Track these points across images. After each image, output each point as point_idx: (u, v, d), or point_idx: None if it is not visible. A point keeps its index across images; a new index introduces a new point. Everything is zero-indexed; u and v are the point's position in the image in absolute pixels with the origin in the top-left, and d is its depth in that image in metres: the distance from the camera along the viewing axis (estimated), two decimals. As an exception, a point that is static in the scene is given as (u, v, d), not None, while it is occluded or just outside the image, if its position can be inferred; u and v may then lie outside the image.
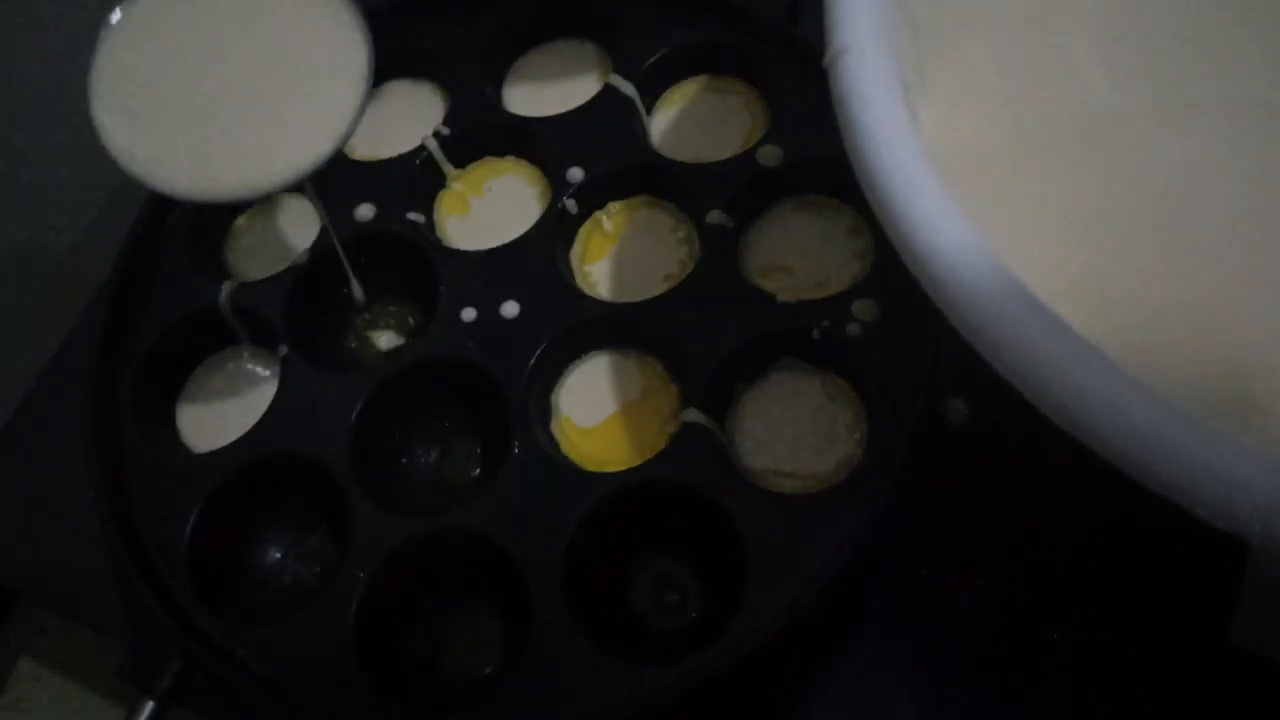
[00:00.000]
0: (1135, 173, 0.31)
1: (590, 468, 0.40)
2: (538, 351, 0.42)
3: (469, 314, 0.43)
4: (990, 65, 0.33)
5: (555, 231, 0.45)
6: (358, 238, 0.46)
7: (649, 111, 0.47)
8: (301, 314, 0.46)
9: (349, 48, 0.39)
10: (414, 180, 0.47)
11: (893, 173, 0.26)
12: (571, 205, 0.45)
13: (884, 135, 0.27)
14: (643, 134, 0.47)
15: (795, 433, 0.40)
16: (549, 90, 0.49)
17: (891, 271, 0.41)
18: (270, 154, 0.38)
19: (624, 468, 0.39)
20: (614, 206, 0.46)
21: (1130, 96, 0.32)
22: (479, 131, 0.48)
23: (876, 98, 0.27)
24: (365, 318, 0.47)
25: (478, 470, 0.43)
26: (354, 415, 0.42)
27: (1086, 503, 0.40)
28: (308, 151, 0.38)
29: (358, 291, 0.45)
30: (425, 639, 0.41)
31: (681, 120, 0.48)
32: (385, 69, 0.52)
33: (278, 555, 0.43)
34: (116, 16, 0.39)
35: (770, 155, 0.44)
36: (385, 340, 0.47)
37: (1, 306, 0.53)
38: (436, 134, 0.47)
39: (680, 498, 0.38)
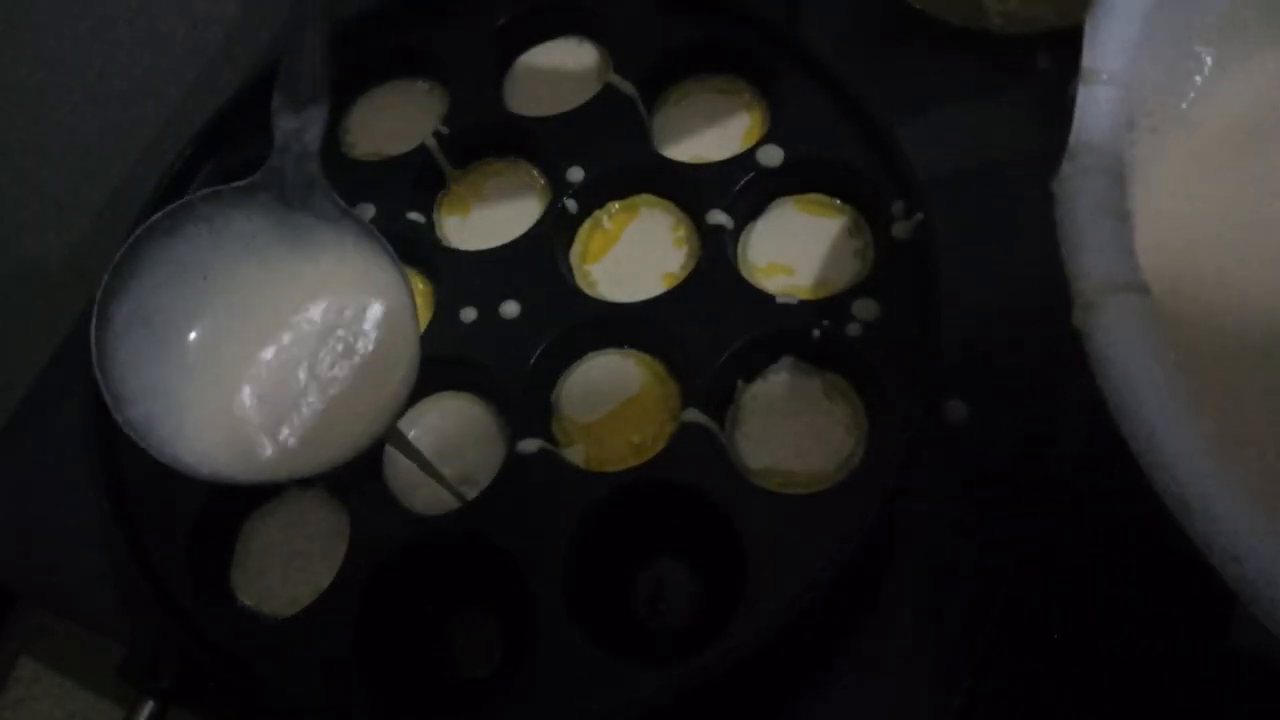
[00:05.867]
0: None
1: (590, 467, 0.40)
2: (538, 351, 0.42)
3: (469, 314, 0.43)
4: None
5: (555, 231, 0.45)
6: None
7: (649, 111, 0.47)
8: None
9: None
10: (414, 180, 0.47)
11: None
12: (571, 205, 0.45)
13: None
14: (643, 134, 0.47)
15: (795, 432, 0.40)
16: (549, 90, 0.49)
17: (891, 271, 0.41)
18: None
19: (624, 467, 0.39)
20: (614, 206, 0.46)
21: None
22: (479, 131, 0.48)
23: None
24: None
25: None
26: (354, 415, 0.42)
27: (1087, 502, 0.40)
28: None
29: None
30: (425, 639, 0.41)
31: (681, 120, 0.48)
32: (385, 69, 0.52)
33: (278, 555, 0.43)
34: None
35: (770, 155, 0.44)
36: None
37: (1, 307, 0.53)
38: (436, 134, 0.47)
39: (680, 497, 0.38)
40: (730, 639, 0.35)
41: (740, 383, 0.41)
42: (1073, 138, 0.31)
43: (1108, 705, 0.37)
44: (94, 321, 0.35)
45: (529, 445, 0.40)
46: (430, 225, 0.47)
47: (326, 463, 0.35)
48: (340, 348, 0.36)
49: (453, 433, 0.42)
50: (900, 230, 0.41)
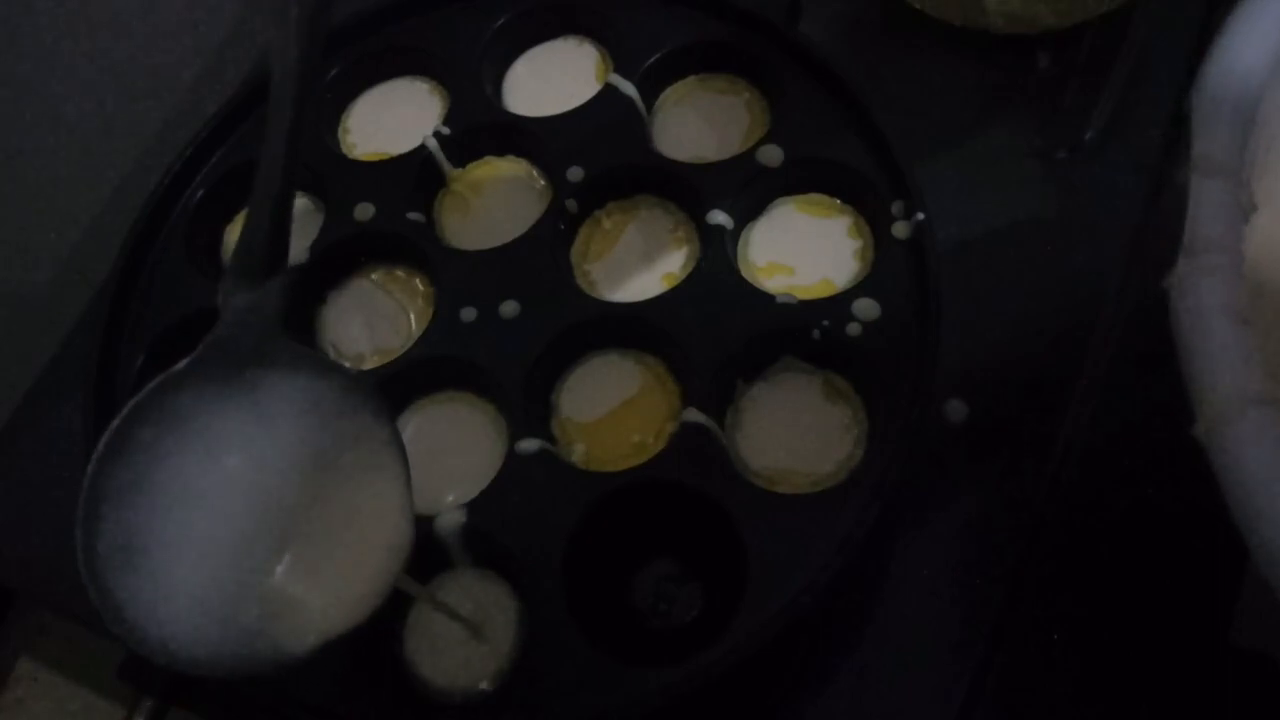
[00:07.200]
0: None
1: (590, 467, 0.40)
2: (538, 352, 0.42)
3: (469, 314, 0.43)
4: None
5: (555, 231, 0.45)
6: (358, 237, 0.46)
7: (649, 111, 0.47)
8: (301, 314, 0.46)
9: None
10: (414, 180, 0.47)
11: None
12: (571, 205, 0.45)
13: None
14: (643, 134, 0.47)
15: (795, 432, 0.40)
16: (549, 90, 0.49)
17: (891, 271, 0.41)
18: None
19: (624, 467, 0.39)
20: (614, 206, 0.46)
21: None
22: (479, 131, 0.48)
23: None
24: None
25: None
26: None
27: (1087, 502, 0.40)
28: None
29: None
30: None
31: (681, 120, 0.48)
32: (385, 69, 0.52)
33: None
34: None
35: (770, 155, 0.44)
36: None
37: (1, 307, 0.53)
38: (436, 134, 0.47)
39: (680, 497, 0.38)
40: (730, 639, 0.35)
41: (740, 383, 0.41)
42: (1188, 233, 0.29)
43: (1108, 705, 0.37)
44: (80, 550, 0.32)
45: (529, 445, 0.40)
46: (430, 225, 0.47)
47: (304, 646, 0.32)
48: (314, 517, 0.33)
49: (453, 432, 0.42)
50: (900, 230, 0.41)
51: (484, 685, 0.37)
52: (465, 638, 0.38)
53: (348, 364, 0.45)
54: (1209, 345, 0.27)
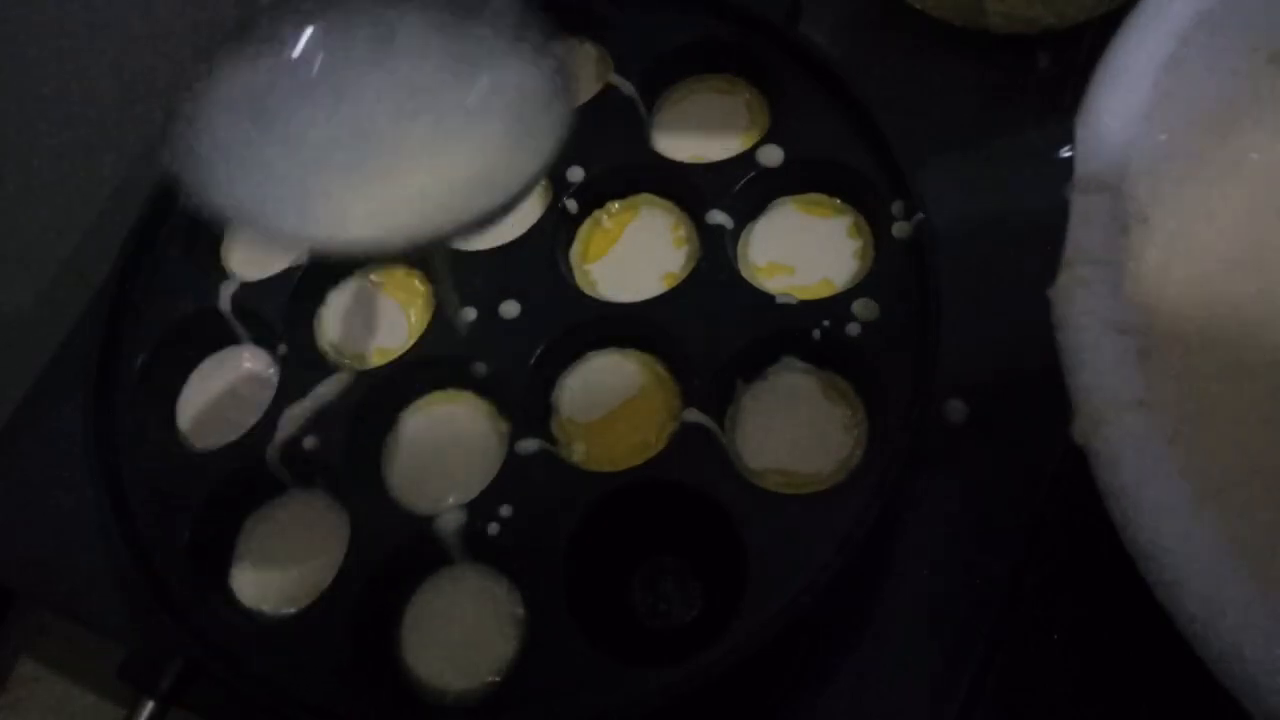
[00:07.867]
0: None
1: (590, 467, 0.40)
2: (538, 351, 0.42)
3: (469, 314, 0.43)
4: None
5: (555, 231, 0.45)
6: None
7: (649, 111, 0.47)
8: (301, 314, 0.46)
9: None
10: (414, 180, 0.47)
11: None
12: (571, 205, 0.45)
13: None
14: (643, 134, 0.47)
15: (795, 433, 0.40)
16: (549, 90, 0.49)
17: (891, 271, 0.41)
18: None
19: (624, 467, 0.39)
20: (614, 206, 0.46)
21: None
22: (479, 131, 0.48)
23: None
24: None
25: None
26: (353, 415, 0.42)
27: (1086, 502, 0.40)
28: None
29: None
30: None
31: (681, 120, 0.48)
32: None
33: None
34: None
35: (770, 155, 0.44)
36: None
37: (1, 307, 0.53)
38: (436, 134, 0.47)
39: (680, 497, 0.38)
40: (730, 639, 0.35)
41: (740, 383, 0.41)
42: (1068, 247, 0.30)
43: (1108, 705, 0.37)
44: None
45: (529, 445, 0.40)
46: (430, 225, 0.47)
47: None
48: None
49: (452, 432, 0.42)
50: (900, 230, 0.41)
51: (483, 685, 0.37)
52: (465, 638, 0.38)
53: (348, 362, 0.45)
54: (1087, 353, 0.28)
